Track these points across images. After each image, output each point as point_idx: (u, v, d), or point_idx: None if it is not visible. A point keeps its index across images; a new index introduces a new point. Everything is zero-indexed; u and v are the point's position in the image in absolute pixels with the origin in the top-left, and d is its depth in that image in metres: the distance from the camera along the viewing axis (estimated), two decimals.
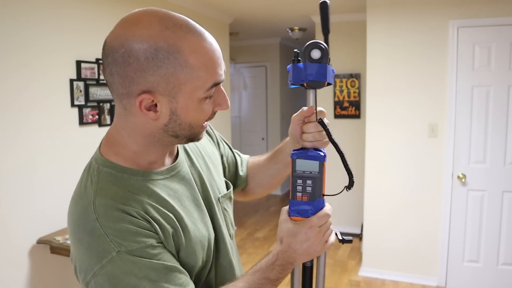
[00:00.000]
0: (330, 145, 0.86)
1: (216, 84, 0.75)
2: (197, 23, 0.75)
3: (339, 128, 4.54)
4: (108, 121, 2.81)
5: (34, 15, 2.29)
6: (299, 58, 0.82)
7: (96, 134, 2.70)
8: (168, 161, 0.86)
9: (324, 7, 0.81)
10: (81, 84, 2.59)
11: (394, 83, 3.29)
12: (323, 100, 4.56)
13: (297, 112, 0.90)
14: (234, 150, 1.14)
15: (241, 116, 6.64)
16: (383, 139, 3.37)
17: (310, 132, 0.86)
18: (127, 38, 0.69)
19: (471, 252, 3.19)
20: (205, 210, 0.88)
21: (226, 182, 1.02)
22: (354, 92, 4.44)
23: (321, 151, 0.84)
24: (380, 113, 3.35)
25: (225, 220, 0.95)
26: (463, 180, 3.12)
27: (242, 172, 1.12)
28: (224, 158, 1.07)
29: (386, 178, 3.39)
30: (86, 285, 0.73)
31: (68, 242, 1.61)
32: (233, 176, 1.10)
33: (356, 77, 4.42)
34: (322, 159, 0.82)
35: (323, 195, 0.83)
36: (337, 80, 4.48)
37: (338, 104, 4.52)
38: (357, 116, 4.47)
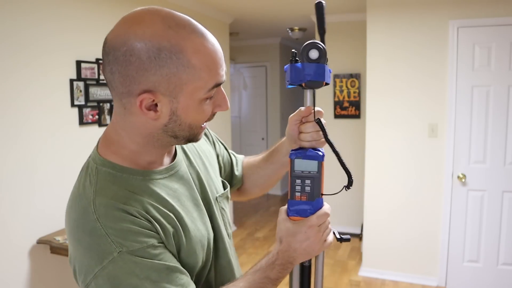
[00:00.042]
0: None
1: (218, 85, 0.75)
2: (199, 23, 0.75)
3: (339, 128, 4.54)
4: (108, 121, 2.81)
5: (34, 15, 2.29)
6: (297, 58, 0.82)
7: (96, 134, 2.70)
8: (166, 160, 0.85)
9: (319, 8, 0.81)
10: (81, 84, 2.59)
11: (394, 83, 3.29)
12: (323, 100, 4.56)
13: (295, 112, 0.91)
14: (229, 150, 1.14)
15: (241, 116, 6.64)
16: (383, 139, 3.37)
17: (308, 132, 0.86)
18: (129, 36, 0.69)
19: (471, 252, 3.19)
20: (204, 209, 0.88)
21: (222, 182, 1.02)
22: (354, 92, 4.44)
23: (320, 151, 0.84)
24: (380, 113, 3.35)
25: (223, 220, 0.95)
26: (463, 180, 3.12)
27: (237, 172, 1.12)
28: (220, 158, 1.07)
29: (386, 178, 3.39)
30: (86, 287, 0.72)
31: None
32: (228, 176, 1.10)
33: (356, 77, 4.42)
34: (320, 159, 0.83)
35: (322, 194, 0.83)
36: (337, 80, 4.48)
37: (338, 104, 4.52)
38: (357, 116, 4.47)
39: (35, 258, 2.34)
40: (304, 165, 0.82)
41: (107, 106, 2.79)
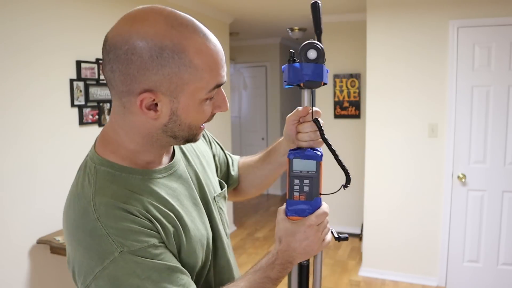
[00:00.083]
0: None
1: (218, 86, 0.75)
2: (200, 23, 0.74)
3: (339, 128, 4.54)
4: None
5: (34, 15, 2.29)
6: (295, 58, 0.82)
7: (96, 134, 2.69)
8: (165, 160, 0.85)
9: (315, 8, 0.82)
10: (81, 84, 2.59)
11: (394, 83, 3.29)
12: (323, 100, 4.56)
13: (292, 112, 0.91)
14: (225, 150, 1.14)
15: (241, 116, 6.64)
16: (383, 139, 3.37)
17: (306, 131, 0.86)
18: (131, 35, 0.68)
19: (471, 252, 3.19)
20: (203, 209, 0.88)
21: (220, 182, 1.02)
22: (354, 92, 4.44)
23: (318, 151, 0.85)
24: (380, 113, 3.35)
25: (221, 219, 0.95)
26: (463, 180, 3.12)
27: (233, 171, 1.12)
28: (216, 158, 1.07)
29: (386, 178, 3.39)
30: None
31: None
32: (225, 176, 1.10)
33: (356, 77, 4.42)
34: (319, 159, 0.83)
35: (320, 194, 0.84)
36: (337, 80, 4.48)
37: (338, 104, 4.52)
38: (357, 116, 4.47)
39: (35, 258, 2.34)
40: (302, 165, 0.83)
41: (107, 106, 2.79)
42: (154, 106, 0.72)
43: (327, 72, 0.84)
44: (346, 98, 4.48)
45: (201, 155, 0.98)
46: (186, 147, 0.94)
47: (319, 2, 0.82)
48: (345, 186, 0.85)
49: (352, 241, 4.40)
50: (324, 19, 4.50)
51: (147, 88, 0.70)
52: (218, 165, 1.07)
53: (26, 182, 2.27)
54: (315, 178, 0.82)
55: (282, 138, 1.00)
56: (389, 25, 3.26)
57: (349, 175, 0.84)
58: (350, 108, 4.49)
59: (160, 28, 0.68)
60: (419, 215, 3.31)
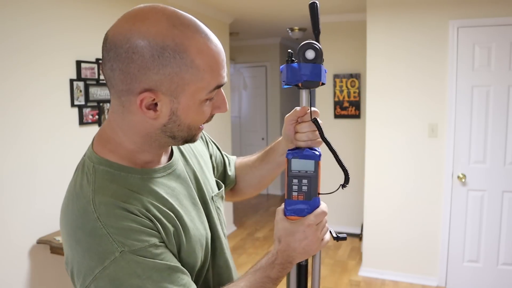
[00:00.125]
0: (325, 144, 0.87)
1: (219, 87, 0.75)
2: (203, 23, 0.74)
3: (339, 128, 4.54)
4: None
5: (34, 15, 2.29)
6: (293, 59, 0.82)
7: None
8: (163, 159, 0.85)
9: (313, 8, 0.82)
10: (81, 84, 2.59)
11: (394, 83, 3.29)
12: (323, 100, 4.56)
13: (290, 112, 0.91)
14: (221, 150, 1.14)
15: (241, 116, 6.64)
16: (383, 139, 3.37)
17: (304, 131, 0.87)
18: (132, 33, 0.67)
19: (471, 252, 3.19)
20: (201, 208, 0.88)
21: (217, 182, 1.02)
22: (354, 92, 4.44)
23: (316, 150, 0.85)
24: (380, 113, 3.35)
25: (219, 219, 0.95)
26: (463, 180, 3.12)
27: (230, 171, 1.12)
28: (213, 158, 1.07)
29: (386, 178, 3.39)
30: None
31: None
32: (222, 176, 1.10)
33: (356, 77, 4.42)
34: (317, 158, 0.83)
35: (319, 193, 0.84)
36: (337, 80, 4.48)
37: (338, 104, 4.52)
38: (357, 116, 4.47)
39: (35, 258, 2.34)
40: (301, 165, 0.83)
41: (107, 106, 2.79)
42: (153, 106, 0.71)
43: (325, 72, 0.84)
44: (346, 98, 4.48)
45: (199, 155, 0.98)
46: (184, 147, 0.94)
47: (317, 2, 0.82)
48: (343, 186, 0.85)
49: (352, 241, 4.40)
50: (324, 19, 4.51)
51: (148, 88, 0.69)
52: (215, 165, 1.07)
53: (26, 182, 2.28)
54: (313, 178, 0.83)
55: (281, 137, 0.99)
56: (389, 25, 3.26)
57: (348, 175, 0.84)
58: (350, 108, 4.49)
59: (162, 27, 0.68)
60: (419, 215, 3.31)
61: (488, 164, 3.08)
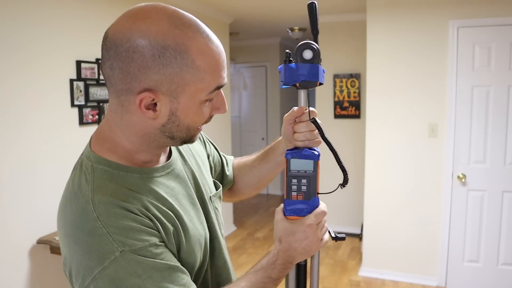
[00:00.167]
0: (324, 143, 0.87)
1: (219, 88, 0.74)
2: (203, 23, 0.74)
3: (339, 128, 4.54)
4: None
5: (34, 15, 2.29)
6: (291, 59, 0.82)
7: None
8: (162, 158, 0.84)
9: (312, 8, 0.82)
10: (81, 84, 2.59)
11: (394, 83, 3.29)
12: (323, 100, 4.56)
13: (288, 112, 0.91)
14: (219, 150, 1.14)
15: (241, 116, 6.64)
16: (383, 139, 3.37)
17: (301, 131, 0.87)
18: (133, 32, 0.66)
19: (471, 252, 3.19)
20: (200, 208, 0.88)
21: (214, 182, 1.01)
22: (354, 92, 4.44)
23: (315, 150, 0.85)
24: (380, 113, 3.35)
25: (217, 220, 0.95)
26: (463, 180, 3.12)
27: (228, 171, 1.12)
28: (211, 158, 1.07)
29: (386, 178, 3.39)
30: None
31: None
32: (219, 176, 1.10)
33: (356, 77, 4.42)
34: (316, 158, 0.83)
35: (318, 193, 0.84)
36: (337, 80, 4.48)
37: (338, 104, 4.52)
38: (357, 116, 4.47)
39: (35, 258, 2.34)
40: (300, 165, 0.83)
41: (107, 106, 2.79)
42: (153, 106, 0.71)
43: (324, 72, 0.85)
44: (346, 98, 4.48)
45: (197, 155, 0.98)
46: (182, 147, 0.94)
47: (315, 2, 0.82)
48: (342, 185, 0.85)
49: (352, 241, 4.40)
50: (324, 19, 4.51)
51: (147, 88, 0.69)
52: (213, 165, 1.07)
53: (26, 182, 2.28)
54: (312, 178, 0.83)
55: (281, 137, 0.99)
56: (389, 25, 3.26)
57: (347, 175, 0.84)
58: (350, 108, 4.49)
59: (163, 26, 0.67)
60: (419, 215, 3.31)
61: (488, 164, 3.08)
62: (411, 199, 3.33)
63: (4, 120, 2.16)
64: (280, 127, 6.41)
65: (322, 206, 0.84)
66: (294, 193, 0.83)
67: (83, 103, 2.61)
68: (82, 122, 2.61)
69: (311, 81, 0.81)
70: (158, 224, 0.73)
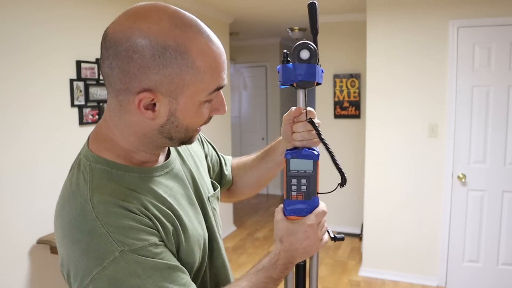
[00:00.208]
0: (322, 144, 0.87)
1: (219, 89, 0.74)
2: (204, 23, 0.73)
3: (339, 128, 4.54)
4: None
5: (34, 15, 2.29)
6: (289, 59, 0.82)
7: None
8: (161, 158, 0.84)
9: (312, 8, 0.81)
10: (81, 84, 2.59)
11: (394, 83, 3.29)
12: (323, 100, 4.56)
13: (287, 112, 0.91)
14: (217, 150, 1.13)
15: (241, 116, 6.64)
16: (383, 139, 3.37)
17: (299, 131, 0.86)
18: (133, 32, 0.66)
19: (471, 252, 3.19)
20: (198, 208, 0.87)
21: (212, 183, 1.01)
22: (354, 92, 4.44)
23: (315, 150, 0.85)
24: (380, 113, 3.35)
25: (215, 220, 0.94)
26: (463, 180, 3.12)
27: (227, 171, 1.12)
28: (209, 158, 1.07)
29: (386, 178, 3.39)
30: None
31: None
32: (218, 176, 1.10)
33: (356, 77, 4.42)
34: (316, 158, 0.83)
35: (318, 193, 0.84)
36: (337, 80, 4.48)
37: (338, 104, 4.52)
38: (357, 116, 4.47)
39: (35, 258, 2.34)
40: (299, 165, 0.83)
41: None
42: (152, 106, 0.70)
43: (322, 72, 0.84)
44: (346, 98, 4.48)
45: (195, 155, 0.97)
46: (181, 147, 0.93)
47: (315, 2, 0.81)
48: (341, 185, 0.85)
49: (352, 241, 4.40)
50: (324, 19, 4.51)
51: (147, 88, 0.68)
52: (211, 165, 1.07)
53: (26, 182, 2.28)
54: (312, 178, 0.83)
55: (281, 137, 0.99)
56: (389, 25, 3.26)
57: (344, 175, 0.85)
58: (350, 108, 4.49)
59: (163, 26, 0.66)
60: (419, 215, 3.31)
61: (488, 164, 3.08)
62: (411, 199, 3.33)
63: (4, 120, 2.16)
64: (280, 127, 6.38)
65: (322, 206, 0.84)
66: (294, 193, 0.83)
67: (83, 103, 2.61)
68: (82, 122, 2.61)
69: (308, 81, 0.81)
70: (158, 224, 0.72)
